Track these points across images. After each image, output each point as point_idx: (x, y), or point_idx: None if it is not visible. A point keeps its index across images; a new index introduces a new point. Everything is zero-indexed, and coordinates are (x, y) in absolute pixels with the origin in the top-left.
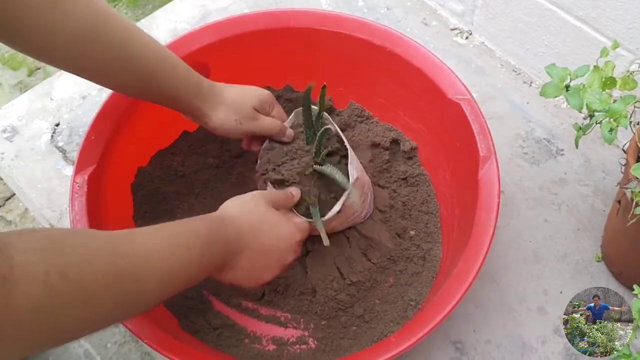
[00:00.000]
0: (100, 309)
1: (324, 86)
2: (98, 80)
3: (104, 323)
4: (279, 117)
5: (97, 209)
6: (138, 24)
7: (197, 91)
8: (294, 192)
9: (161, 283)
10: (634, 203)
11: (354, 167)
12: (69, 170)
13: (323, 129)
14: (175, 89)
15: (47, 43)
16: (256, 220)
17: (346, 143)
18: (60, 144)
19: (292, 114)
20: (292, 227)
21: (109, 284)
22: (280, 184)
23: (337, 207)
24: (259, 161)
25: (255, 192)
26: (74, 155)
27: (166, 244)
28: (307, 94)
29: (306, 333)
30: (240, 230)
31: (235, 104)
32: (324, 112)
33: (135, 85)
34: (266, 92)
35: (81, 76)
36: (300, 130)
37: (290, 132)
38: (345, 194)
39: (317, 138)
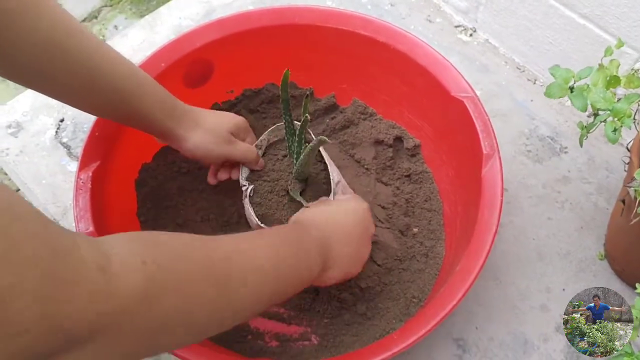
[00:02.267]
0: (197, 298)
1: (308, 94)
2: (65, 99)
3: (209, 315)
4: (250, 150)
5: (101, 205)
6: (142, 20)
7: (172, 113)
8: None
9: (255, 285)
10: (637, 201)
11: (335, 173)
12: (74, 166)
13: (304, 118)
14: (148, 110)
15: (8, 59)
16: (325, 211)
17: (326, 159)
18: (64, 139)
19: (272, 127)
20: (353, 201)
21: (203, 275)
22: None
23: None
24: (250, 209)
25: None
26: (78, 151)
27: (255, 244)
28: (285, 80)
29: (309, 329)
30: (318, 226)
31: (211, 127)
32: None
33: (105, 106)
34: (241, 118)
35: (48, 95)
36: (275, 150)
37: (261, 161)
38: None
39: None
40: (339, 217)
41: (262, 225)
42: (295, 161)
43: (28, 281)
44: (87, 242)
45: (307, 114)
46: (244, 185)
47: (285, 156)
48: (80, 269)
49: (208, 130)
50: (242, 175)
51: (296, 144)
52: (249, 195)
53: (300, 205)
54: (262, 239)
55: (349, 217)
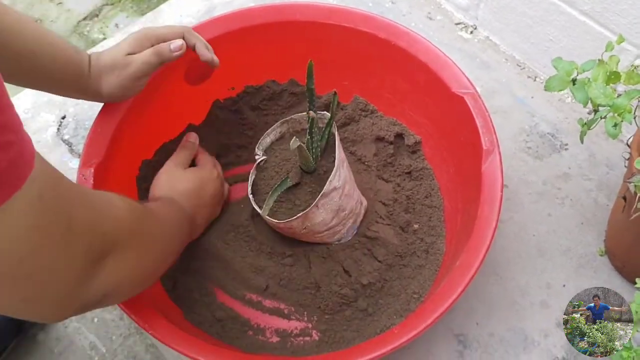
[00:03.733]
0: (151, 231)
1: (335, 92)
2: None
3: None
4: (169, 37)
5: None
6: (143, 18)
7: (81, 69)
8: (190, 139)
9: (172, 236)
10: (637, 197)
11: (337, 178)
12: (75, 163)
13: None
14: (58, 71)
15: None
16: (184, 188)
17: (336, 158)
18: (66, 137)
19: (277, 124)
20: (207, 171)
21: (153, 220)
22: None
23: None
24: (252, 176)
25: (165, 165)
26: (80, 148)
27: (169, 217)
28: (309, 70)
29: (309, 325)
30: (189, 205)
31: (108, 64)
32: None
33: (15, 69)
34: (136, 33)
35: None
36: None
37: (177, 43)
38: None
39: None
40: (196, 191)
41: (251, 196)
42: (312, 152)
43: (77, 195)
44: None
45: (332, 111)
46: (257, 155)
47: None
48: (93, 192)
49: (108, 68)
50: (261, 145)
51: (319, 137)
52: (258, 164)
53: (289, 194)
54: (171, 213)
55: (203, 189)
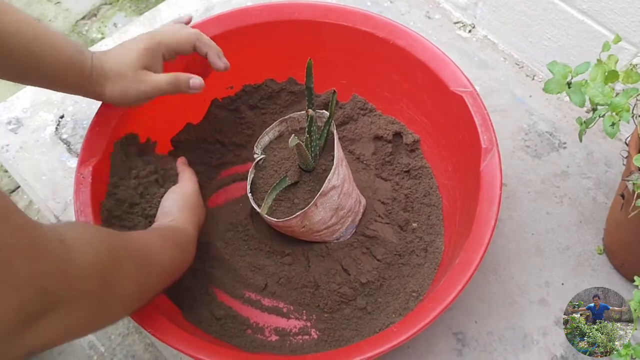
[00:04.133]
0: (126, 272)
1: (334, 91)
2: None
3: (138, 288)
4: (180, 46)
5: (101, 200)
6: (141, 17)
7: (83, 71)
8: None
9: (161, 269)
10: (636, 195)
11: (335, 177)
12: (73, 162)
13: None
14: (59, 72)
15: None
16: (179, 208)
17: (335, 157)
18: (64, 136)
19: (275, 123)
20: (189, 187)
21: (132, 258)
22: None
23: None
24: (251, 176)
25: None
26: (78, 147)
27: (159, 245)
28: (309, 68)
29: (308, 324)
30: (183, 224)
31: (117, 73)
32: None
33: (15, 68)
34: (148, 40)
35: None
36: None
37: (196, 81)
38: (311, 203)
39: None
40: (187, 204)
41: (250, 195)
42: (311, 151)
43: (21, 243)
44: (47, 225)
45: (332, 110)
46: (256, 154)
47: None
48: (48, 239)
49: (115, 76)
50: (259, 144)
51: (317, 135)
52: (257, 163)
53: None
54: (165, 241)
55: (191, 203)
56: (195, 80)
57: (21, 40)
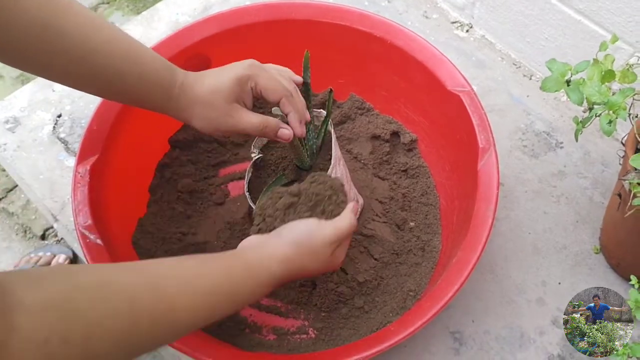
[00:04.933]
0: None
1: (331, 90)
2: (64, 81)
3: None
4: (272, 89)
5: (99, 198)
6: (139, 17)
7: (170, 93)
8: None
9: (180, 334)
10: (632, 194)
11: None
12: (71, 161)
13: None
14: (146, 92)
15: (2, 43)
16: (300, 267)
17: (332, 156)
18: (62, 135)
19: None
20: (337, 253)
21: (118, 345)
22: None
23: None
24: (248, 175)
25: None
26: (76, 146)
27: (190, 303)
28: (306, 62)
29: (306, 323)
30: (287, 275)
31: (207, 100)
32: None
33: (101, 86)
34: (242, 69)
35: (48, 78)
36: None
37: (284, 132)
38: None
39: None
40: (307, 272)
41: (248, 194)
42: (306, 148)
43: None
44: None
45: (329, 109)
46: (253, 153)
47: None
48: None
49: (205, 104)
50: (257, 143)
51: (315, 134)
52: (255, 162)
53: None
54: (205, 294)
55: (316, 271)
56: (284, 131)
57: (109, 59)
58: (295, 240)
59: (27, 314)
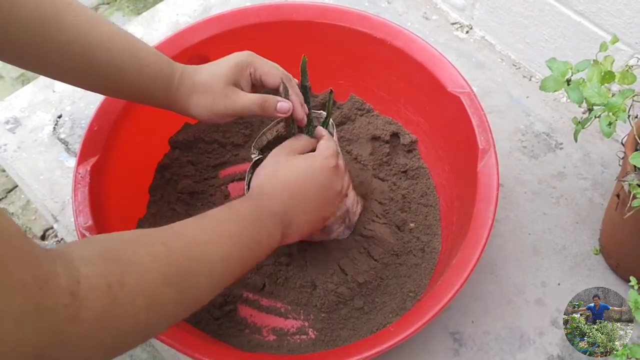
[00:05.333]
0: (162, 307)
1: (331, 91)
2: (60, 76)
3: (169, 320)
4: (270, 76)
5: (100, 199)
6: (139, 17)
7: (170, 83)
8: (319, 133)
9: (216, 273)
10: (631, 196)
11: None
12: (71, 162)
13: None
14: (146, 84)
15: (1, 40)
16: (287, 179)
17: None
18: (62, 135)
19: (273, 122)
20: (320, 159)
21: (167, 283)
22: None
23: None
24: (248, 176)
25: (274, 151)
26: (76, 147)
27: (215, 234)
28: (303, 66)
29: (306, 324)
30: (280, 200)
31: (205, 86)
32: (331, 120)
33: (100, 81)
34: (242, 54)
35: (47, 75)
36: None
37: (283, 105)
38: None
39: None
40: (301, 183)
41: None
42: None
43: (13, 307)
44: (64, 266)
45: (330, 111)
46: (254, 154)
47: None
48: (57, 296)
49: (203, 90)
50: (257, 144)
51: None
52: (255, 163)
53: None
54: (222, 226)
55: (311, 181)
56: (283, 104)
57: (109, 54)
58: (273, 169)
59: (90, 264)
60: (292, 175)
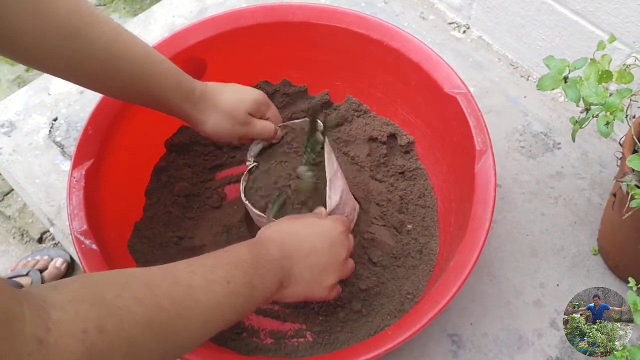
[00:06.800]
0: (144, 355)
1: (327, 114)
2: (84, 82)
3: None
4: (274, 118)
5: (95, 203)
6: (135, 19)
7: (189, 95)
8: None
9: (206, 320)
10: (629, 196)
11: (334, 192)
12: (67, 165)
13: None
14: (165, 93)
15: (31, 45)
16: (292, 228)
17: (327, 171)
18: (58, 138)
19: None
20: (330, 221)
21: (150, 329)
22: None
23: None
24: (244, 183)
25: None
26: (72, 150)
27: (205, 279)
28: (315, 111)
29: (304, 327)
30: (281, 244)
31: (228, 109)
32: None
33: (122, 88)
34: (261, 93)
35: (68, 79)
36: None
37: (279, 133)
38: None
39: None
40: (305, 239)
41: (246, 201)
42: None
43: None
44: (32, 310)
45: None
46: (249, 162)
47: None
48: (19, 342)
49: (225, 112)
50: (251, 152)
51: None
52: (250, 171)
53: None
54: (215, 269)
55: (316, 240)
56: (280, 134)
57: (131, 65)
58: (279, 221)
59: (61, 309)
60: (300, 227)
